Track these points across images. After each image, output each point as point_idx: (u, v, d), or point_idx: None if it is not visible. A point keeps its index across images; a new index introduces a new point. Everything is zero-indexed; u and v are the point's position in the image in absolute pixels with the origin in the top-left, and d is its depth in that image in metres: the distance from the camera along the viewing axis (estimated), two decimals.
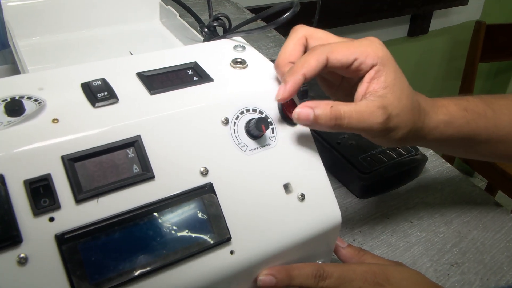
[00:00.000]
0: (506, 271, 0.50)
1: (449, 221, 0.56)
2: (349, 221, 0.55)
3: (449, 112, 0.45)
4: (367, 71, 0.40)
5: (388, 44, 1.89)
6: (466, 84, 1.78)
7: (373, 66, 0.39)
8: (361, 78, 0.41)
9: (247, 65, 0.44)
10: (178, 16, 0.59)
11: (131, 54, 0.55)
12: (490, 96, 0.49)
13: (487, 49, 1.71)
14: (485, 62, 1.74)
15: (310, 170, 0.42)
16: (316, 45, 0.40)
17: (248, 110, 0.40)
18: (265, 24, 0.47)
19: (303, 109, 0.38)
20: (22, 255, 0.30)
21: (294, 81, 0.39)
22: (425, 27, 1.97)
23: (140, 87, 0.39)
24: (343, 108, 0.38)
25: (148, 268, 0.33)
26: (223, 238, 0.36)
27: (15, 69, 0.57)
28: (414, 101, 0.42)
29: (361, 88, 0.40)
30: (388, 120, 0.39)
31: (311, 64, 0.39)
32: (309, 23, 0.55)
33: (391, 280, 0.40)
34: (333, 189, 0.42)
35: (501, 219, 0.57)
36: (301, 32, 0.42)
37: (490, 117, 0.47)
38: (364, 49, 0.40)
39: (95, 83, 0.38)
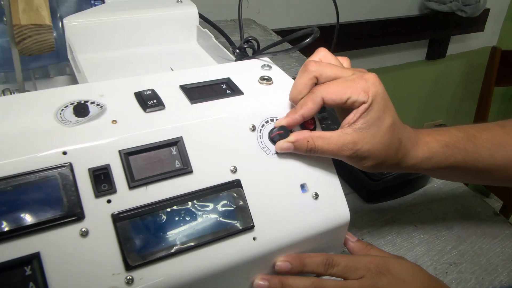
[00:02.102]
0: (500, 273, 0.54)
1: (450, 226, 0.60)
2: (358, 223, 0.60)
3: (430, 149, 0.48)
4: (359, 106, 0.44)
5: (406, 66, 1.94)
6: (481, 107, 1.80)
7: (363, 102, 0.43)
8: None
9: (272, 82, 0.50)
10: (213, 38, 0.65)
11: (172, 69, 0.61)
12: (474, 129, 0.52)
13: (503, 73, 1.73)
14: (500, 86, 1.76)
15: (324, 174, 0.47)
16: (314, 87, 0.44)
17: (272, 120, 0.46)
18: (290, 47, 0.52)
19: (284, 144, 0.44)
20: (84, 229, 0.36)
21: (293, 119, 0.45)
22: (442, 51, 2.00)
23: (182, 97, 0.45)
24: (318, 142, 0.44)
25: (184, 246, 0.39)
26: (248, 226, 0.41)
27: (72, 80, 0.64)
28: (394, 138, 0.45)
29: (349, 117, 0.44)
30: (355, 153, 0.44)
31: (308, 106, 0.44)
32: (329, 44, 0.61)
33: (391, 271, 0.45)
34: (345, 194, 0.47)
35: (499, 227, 0.61)
36: (312, 73, 0.45)
37: (470, 151, 0.50)
38: (356, 88, 0.43)
39: (146, 93, 0.44)
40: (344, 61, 0.49)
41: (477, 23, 1.90)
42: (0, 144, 0.36)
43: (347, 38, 1.63)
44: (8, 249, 0.34)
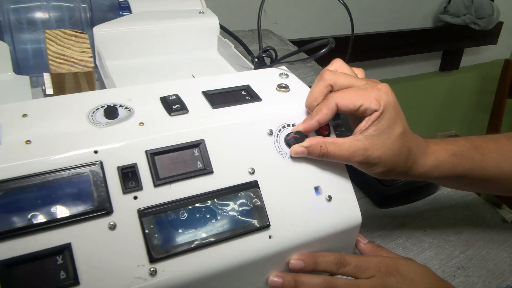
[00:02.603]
0: (507, 277, 0.55)
1: (459, 231, 0.61)
2: (370, 226, 0.61)
3: (438, 158, 0.49)
4: (371, 114, 0.45)
5: (420, 77, 1.94)
6: (494, 118, 1.79)
7: (375, 111, 0.45)
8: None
9: (289, 89, 0.51)
10: (233, 47, 0.67)
11: (193, 76, 0.63)
12: (482, 140, 0.53)
13: None
14: None
15: (337, 177, 0.48)
16: (329, 94, 0.46)
17: (288, 125, 0.47)
18: (306, 56, 0.54)
19: (299, 149, 0.46)
20: (112, 222, 0.38)
21: (310, 125, 0.46)
22: (456, 63, 2.00)
23: (204, 102, 0.47)
24: (330, 148, 0.45)
25: (204, 242, 0.40)
26: (264, 224, 0.43)
27: (100, 85, 0.67)
28: (403, 146, 0.46)
29: (361, 124, 0.45)
30: (366, 159, 0.45)
31: (323, 112, 0.45)
32: (344, 54, 0.62)
33: (401, 271, 0.46)
34: (357, 199, 0.48)
35: (507, 233, 0.61)
36: (327, 81, 0.46)
37: (477, 160, 0.51)
38: (369, 96, 0.45)
39: (170, 97, 0.46)
40: (359, 72, 0.51)
41: (490, 36, 1.90)
42: (38, 142, 0.39)
43: (363, 49, 1.64)
44: (42, 239, 0.36)
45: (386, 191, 0.65)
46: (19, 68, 0.64)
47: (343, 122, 0.68)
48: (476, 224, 0.63)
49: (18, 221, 0.36)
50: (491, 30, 1.81)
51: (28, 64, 0.66)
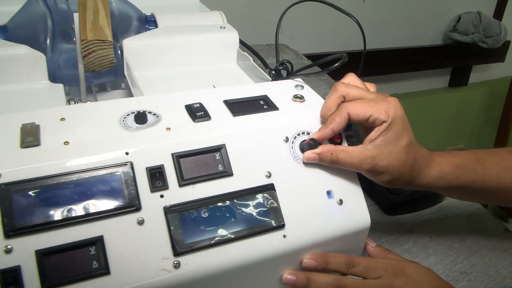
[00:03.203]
0: (508, 283, 0.56)
1: (463, 239, 0.62)
2: (378, 232, 0.63)
3: (442, 169, 0.51)
4: (380, 125, 0.47)
5: (430, 92, 1.95)
6: (501, 133, 1.80)
7: (384, 122, 0.47)
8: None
9: (304, 100, 0.54)
10: (251, 60, 0.70)
11: (214, 86, 0.66)
12: (484, 153, 0.54)
13: None
14: None
15: (348, 183, 0.50)
16: (341, 104, 0.48)
17: (303, 133, 0.50)
18: (320, 70, 0.56)
19: (311, 155, 0.48)
20: (140, 218, 0.41)
21: (324, 133, 0.48)
22: (465, 79, 2.01)
23: (225, 111, 0.50)
24: (340, 155, 0.47)
25: (223, 239, 0.42)
26: (279, 224, 0.45)
27: (127, 93, 0.70)
28: (409, 157, 0.48)
29: (371, 134, 0.47)
30: (373, 168, 0.47)
31: (336, 121, 0.48)
32: (357, 69, 0.64)
33: (406, 272, 0.48)
34: (367, 206, 0.50)
35: (509, 242, 0.62)
36: (340, 92, 0.49)
37: (479, 172, 0.52)
38: (379, 108, 0.47)
39: (194, 105, 0.49)
40: (371, 86, 0.53)
41: (498, 54, 1.91)
42: (75, 144, 0.42)
43: (375, 64, 1.66)
44: (77, 231, 0.39)
45: (395, 199, 0.66)
46: (54, 77, 0.67)
47: (354, 133, 0.70)
48: (479, 232, 0.64)
49: (55, 215, 0.39)
50: (499, 48, 1.82)
51: (61, 74, 0.69)
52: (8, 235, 0.37)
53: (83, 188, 0.40)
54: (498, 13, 1.84)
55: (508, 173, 0.53)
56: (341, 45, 1.58)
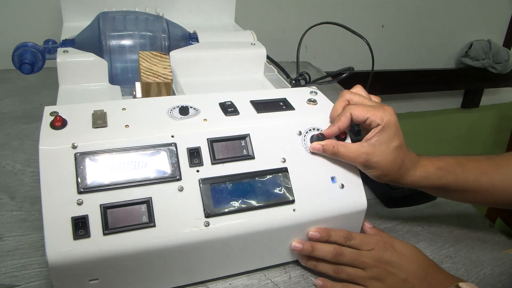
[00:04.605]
0: (485, 267, 0.60)
1: (451, 230, 0.68)
2: (378, 221, 0.68)
3: (426, 171, 0.56)
4: (375, 127, 0.53)
5: (442, 113, 1.99)
6: None
7: (378, 125, 0.53)
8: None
9: (317, 103, 0.61)
10: (276, 72, 0.78)
11: None
12: (465, 158, 0.58)
13: None
14: None
15: (350, 172, 0.57)
16: (346, 106, 0.55)
17: (314, 129, 0.57)
18: (331, 79, 0.64)
19: (316, 146, 0.55)
20: (180, 186, 0.49)
21: (332, 130, 0.55)
22: (476, 101, 2.03)
23: (251, 108, 0.57)
24: (340, 149, 0.54)
25: (244, 207, 0.50)
26: (290, 200, 0.52)
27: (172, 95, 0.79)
28: (398, 157, 0.53)
29: (367, 135, 0.54)
30: (367, 162, 0.53)
31: (342, 120, 0.54)
32: (373, 88, 0.70)
33: (395, 247, 0.53)
34: (368, 200, 0.56)
35: (491, 235, 0.67)
36: (345, 97, 0.57)
37: (459, 174, 0.56)
38: (375, 113, 0.53)
39: (227, 103, 0.57)
40: (376, 98, 0.59)
41: (507, 79, 1.92)
42: (134, 127, 0.50)
43: (392, 84, 1.70)
44: (132, 193, 0.47)
45: (394, 194, 0.72)
46: (112, 80, 0.77)
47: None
48: (467, 226, 0.69)
49: (117, 179, 0.47)
50: (508, 73, 1.84)
51: (117, 78, 0.79)
52: (80, 191, 0.46)
53: (138, 160, 0.48)
54: (507, 42, 1.87)
55: (486, 176, 0.57)
56: (359, 64, 1.62)
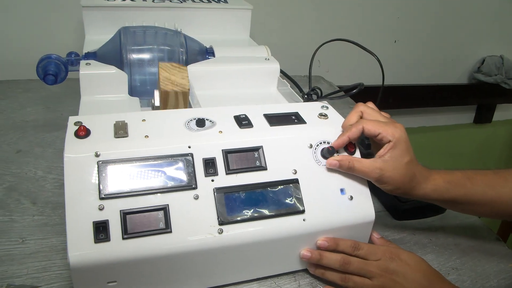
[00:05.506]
0: (491, 279, 0.61)
1: (458, 243, 0.69)
2: (386, 233, 0.70)
3: (436, 184, 0.58)
4: (386, 143, 0.56)
5: (455, 127, 1.99)
6: None
7: (390, 141, 0.55)
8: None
9: (328, 118, 0.63)
10: (289, 86, 0.80)
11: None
12: (474, 172, 0.60)
13: None
14: None
15: (359, 184, 0.59)
16: (360, 119, 0.58)
17: (324, 142, 0.59)
18: (343, 94, 0.66)
19: (333, 161, 0.57)
20: (196, 194, 0.51)
21: (342, 140, 0.58)
22: (489, 117, 2.02)
23: (264, 122, 0.60)
24: (356, 164, 0.56)
25: (255, 215, 0.52)
26: (300, 210, 0.54)
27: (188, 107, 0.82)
28: (409, 171, 0.56)
29: (380, 151, 0.56)
30: (381, 177, 0.55)
31: (353, 131, 0.57)
32: (385, 103, 0.73)
33: (401, 257, 0.55)
34: (377, 212, 0.58)
35: (498, 248, 0.68)
36: (359, 109, 0.60)
37: (468, 187, 0.59)
38: (387, 129, 0.55)
39: (241, 116, 0.59)
40: (386, 115, 0.61)
41: None
42: (153, 137, 0.53)
43: (404, 98, 1.71)
44: (150, 200, 0.50)
45: (402, 207, 0.74)
46: (131, 92, 0.80)
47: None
48: (474, 238, 0.70)
49: (136, 187, 0.50)
50: None
51: (136, 90, 0.82)
52: (102, 197, 0.48)
53: (157, 169, 0.51)
54: None
55: (492, 189, 0.59)
56: (371, 79, 1.64)
